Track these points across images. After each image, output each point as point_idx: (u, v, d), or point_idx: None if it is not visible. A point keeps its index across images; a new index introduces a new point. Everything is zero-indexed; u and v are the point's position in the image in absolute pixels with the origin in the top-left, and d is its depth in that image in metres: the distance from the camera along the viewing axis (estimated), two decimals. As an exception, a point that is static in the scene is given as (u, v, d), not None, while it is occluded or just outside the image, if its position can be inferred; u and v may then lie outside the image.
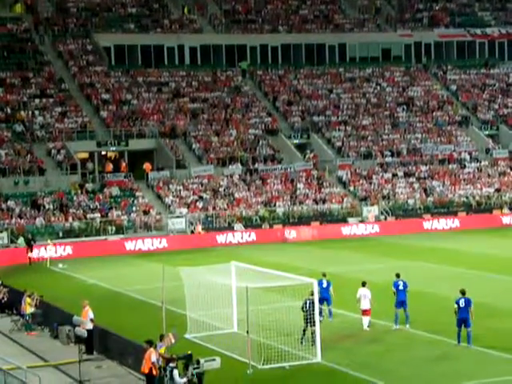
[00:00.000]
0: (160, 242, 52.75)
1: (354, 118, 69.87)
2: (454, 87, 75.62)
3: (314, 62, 75.51)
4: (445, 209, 61.13)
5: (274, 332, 26.60)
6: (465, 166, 66.01)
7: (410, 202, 61.53)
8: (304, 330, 26.02)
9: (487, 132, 70.61)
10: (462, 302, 25.41)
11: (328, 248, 50.12)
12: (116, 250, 51.04)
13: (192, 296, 27.88)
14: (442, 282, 36.51)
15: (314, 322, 25.27)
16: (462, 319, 25.37)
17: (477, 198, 62.26)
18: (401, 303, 27.98)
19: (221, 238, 54.01)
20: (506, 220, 59.04)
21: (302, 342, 25.90)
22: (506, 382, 22.38)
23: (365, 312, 27.98)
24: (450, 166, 65.82)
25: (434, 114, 71.71)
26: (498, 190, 63.08)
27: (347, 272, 39.62)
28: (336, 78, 74.31)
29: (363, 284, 28.20)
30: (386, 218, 59.32)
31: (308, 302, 25.68)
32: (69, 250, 50.47)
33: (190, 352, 22.38)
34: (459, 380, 22.75)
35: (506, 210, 60.58)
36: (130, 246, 52.02)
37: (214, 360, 22.16)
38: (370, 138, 67.96)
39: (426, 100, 73.26)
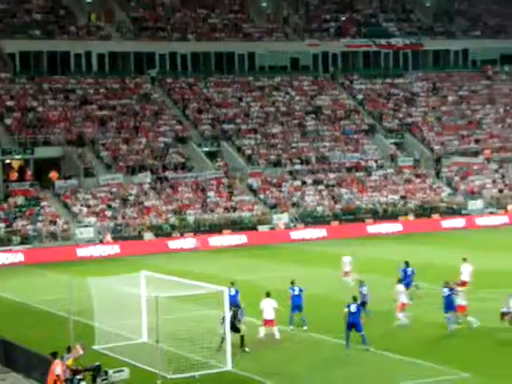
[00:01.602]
0: (68, 252, 51.89)
1: (263, 126, 70.38)
2: (360, 96, 76.98)
3: (223, 71, 75.76)
4: (352, 215, 62.08)
5: (184, 341, 26.50)
6: (371, 174, 67.22)
7: (319, 209, 62.28)
8: (222, 338, 26.05)
9: (392, 140, 72.10)
10: (353, 307, 26.20)
11: (239, 256, 50.22)
12: (22, 261, 49.98)
13: (101, 306, 27.53)
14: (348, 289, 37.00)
15: (235, 328, 25.51)
16: (352, 323, 26.04)
17: (383, 204, 63.46)
18: (296, 307, 29.08)
19: (130, 246, 53.51)
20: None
21: (219, 350, 25.92)
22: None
23: (267, 322, 28.01)
24: (357, 174, 66.93)
25: (342, 122, 72.82)
26: (403, 197, 64.43)
27: (257, 279, 39.79)
28: (245, 87, 74.73)
29: (267, 294, 28.33)
30: (295, 226, 59.87)
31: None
32: (-27, 260, 49.24)
33: (98, 363, 22.09)
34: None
35: (411, 217, 61.90)
36: (35, 256, 50.97)
37: (122, 371, 21.93)
38: (279, 146, 68.56)
39: (333, 109, 74.36)
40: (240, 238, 56.64)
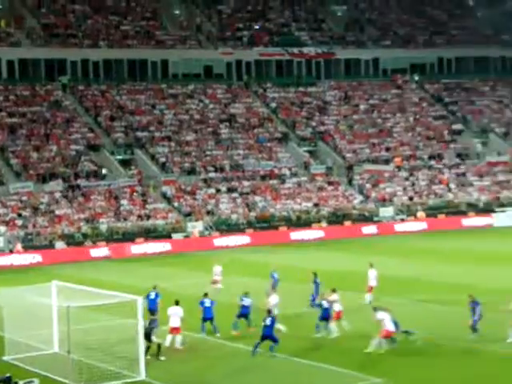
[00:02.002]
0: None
1: (177, 133, 70.14)
2: (273, 104, 77.50)
3: (136, 78, 75.23)
4: (267, 223, 62.35)
5: (96, 351, 26.11)
6: (285, 182, 67.69)
7: (234, 216, 62.35)
8: (148, 347, 25.83)
9: (305, 148, 72.79)
10: (267, 321, 26.10)
11: (155, 265, 49.81)
12: None
13: (11, 317, 26.92)
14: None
15: (149, 338, 25.47)
16: (266, 336, 26.06)
17: (296, 212, 63.96)
18: (208, 319, 29.15)
19: (42, 256, 52.53)
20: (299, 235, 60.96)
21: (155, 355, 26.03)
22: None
23: (172, 330, 27.87)
24: (271, 182, 67.32)
25: (256, 130, 73.17)
26: (316, 205, 65.09)
27: (170, 287, 39.53)
28: (159, 94, 74.36)
29: (176, 302, 28.18)
30: (210, 234, 59.77)
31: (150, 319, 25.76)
32: None
33: (8, 374, 21.58)
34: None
35: (323, 224, 62.56)
36: None
37: (32, 382, 21.49)
38: (193, 153, 68.43)
39: (247, 117, 74.66)
40: (154, 247, 56.22)
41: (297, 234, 60.21)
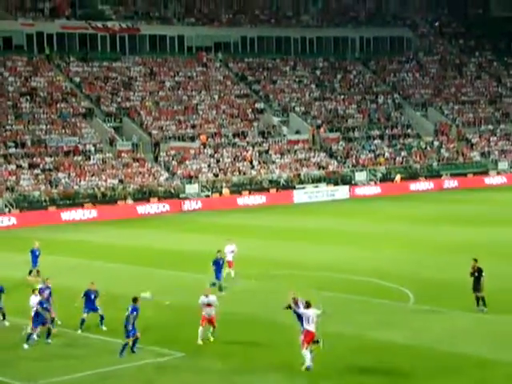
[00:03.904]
0: None
1: (-26, 107, 67.09)
2: (77, 79, 75.76)
3: None
4: (70, 200, 61.08)
5: None
6: (90, 158, 66.51)
7: (35, 193, 60.59)
8: None
9: (111, 124, 71.82)
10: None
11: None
12: None
13: None
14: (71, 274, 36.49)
15: None
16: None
17: (102, 189, 63.07)
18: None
19: None
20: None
21: None
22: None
23: None
24: (75, 158, 65.92)
25: (59, 105, 71.27)
26: (121, 181, 64.48)
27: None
28: (-46, 65, 70.74)
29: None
30: (10, 211, 57.79)
31: None
32: None
33: None
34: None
35: (129, 201, 62.15)
36: None
37: None
38: (-8, 128, 65.74)
39: (49, 91, 72.56)
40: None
41: (68, 215, 58.32)
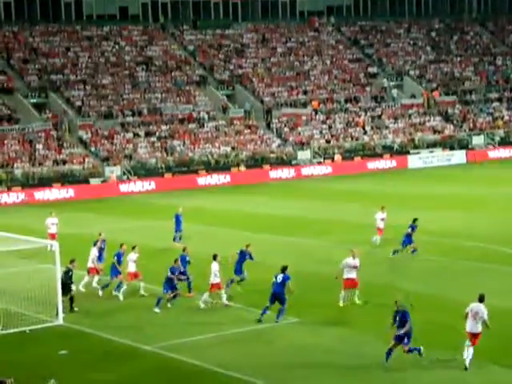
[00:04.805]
0: None
1: (93, 77, 68.87)
2: (191, 47, 76.65)
3: (49, 19, 73.29)
4: (185, 168, 62.16)
5: (14, 297, 25.84)
6: (203, 126, 67.38)
7: (152, 161, 61.95)
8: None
9: (224, 92, 72.42)
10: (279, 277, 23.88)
11: (68, 211, 49.15)
12: None
13: None
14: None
15: (67, 288, 25.19)
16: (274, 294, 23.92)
17: (215, 156, 63.87)
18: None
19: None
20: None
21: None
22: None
23: (131, 275, 27.56)
24: (190, 126, 66.90)
25: (173, 73, 72.35)
26: (234, 148, 65.10)
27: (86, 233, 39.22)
28: (73, 36, 72.69)
29: (133, 248, 27.59)
30: (128, 178, 59.35)
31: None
32: None
33: None
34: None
35: (242, 168, 62.74)
36: None
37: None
38: (110, 97, 67.36)
39: (164, 60, 73.71)
40: (68, 192, 55.54)
41: (215, 179, 59.92)
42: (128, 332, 23.74)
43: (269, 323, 23.87)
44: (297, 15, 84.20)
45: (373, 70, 79.38)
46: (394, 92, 76.59)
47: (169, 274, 25.95)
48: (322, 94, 74.26)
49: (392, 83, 77.93)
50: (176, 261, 26.52)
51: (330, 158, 66.17)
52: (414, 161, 67.13)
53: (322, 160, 65.73)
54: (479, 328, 19.51)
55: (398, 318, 19.40)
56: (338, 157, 66.23)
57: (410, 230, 31.59)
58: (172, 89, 70.52)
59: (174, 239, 35.63)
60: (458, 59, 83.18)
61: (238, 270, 27.18)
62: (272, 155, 65.36)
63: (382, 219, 34.35)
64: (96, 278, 28.40)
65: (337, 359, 20.96)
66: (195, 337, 23.05)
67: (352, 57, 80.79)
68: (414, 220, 31.88)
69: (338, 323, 23.89)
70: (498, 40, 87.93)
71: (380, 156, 67.26)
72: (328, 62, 78.94)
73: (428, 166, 66.37)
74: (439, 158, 68.11)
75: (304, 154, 65.74)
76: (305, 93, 74.03)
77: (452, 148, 70.12)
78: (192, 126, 66.96)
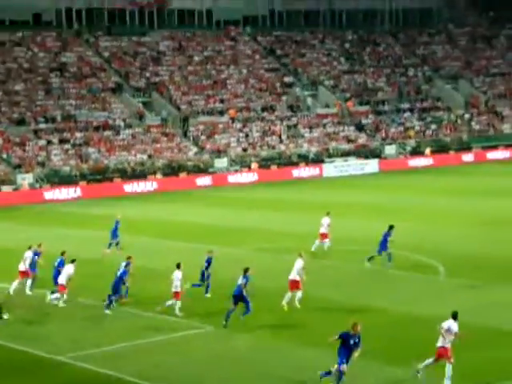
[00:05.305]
0: None
1: (5, 83, 67.56)
2: (106, 54, 75.95)
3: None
4: (101, 175, 61.48)
5: None
6: (119, 133, 66.82)
7: (66, 168, 61.09)
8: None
9: (140, 99, 71.99)
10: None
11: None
12: None
13: None
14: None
15: None
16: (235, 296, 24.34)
17: (131, 163, 63.40)
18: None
19: None
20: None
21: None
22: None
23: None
24: (105, 133, 66.26)
25: (88, 80, 71.56)
26: (150, 156, 64.74)
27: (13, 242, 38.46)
28: (-15, 41, 71.23)
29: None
30: (41, 186, 58.35)
31: None
32: None
33: None
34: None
35: (159, 176, 62.43)
36: None
37: None
38: (22, 103, 66.20)
39: (79, 66, 72.85)
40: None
41: (131, 187, 59.71)
42: (41, 342, 23.41)
43: (184, 331, 23.93)
44: (213, 24, 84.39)
45: (288, 79, 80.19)
46: (309, 101, 77.57)
47: (120, 275, 26.19)
48: (239, 103, 74.59)
49: (307, 93, 78.92)
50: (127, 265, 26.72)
51: (246, 166, 66.49)
52: (329, 169, 68.05)
53: (238, 168, 66.00)
54: (448, 344, 19.45)
55: (352, 341, 19.18)
56: (254, 165, 66.60)
57: (385, 237, 31.21)
58: (87, 96, 69.73)
59: (109, 246, 35.31)
60: (371, 70, 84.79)
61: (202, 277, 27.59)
62: (189, 163, 65.27)
63: (328, 225, 34.64)
64: (29, 282, 28.07)
65: (248, 368, 21.02)
66: (109, 346, 22.88)
67: (268, 66, 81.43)
68: (390, 227, 31.65)
69: (251, 330, 23.96)
70: (409, 52, 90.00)
71: (296, 164, 67.94)
72: (244, 71, 79.36)
73: (343, 174, 67.34)
74: (353, 166, 69.21)
75: (221, 162, 65.90)
76: (222, 101, 74.23)
77: (366, 157, 71.37)
78: (107, 133, 66.34)
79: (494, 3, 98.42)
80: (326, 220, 34.84)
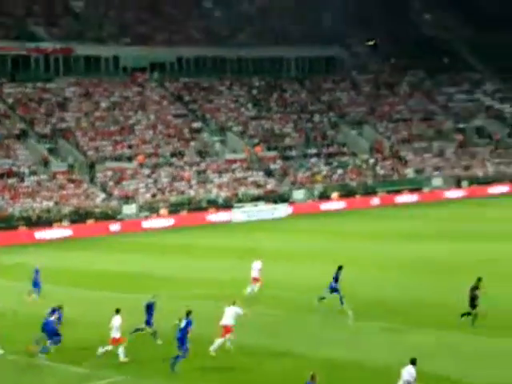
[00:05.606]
0: None
1: None
2: (10, 100, 74.60)
3: None
4: (5, 223, 59.89)
5: None
6: (24, 180, 65.43)
7: (-31, 217, 59.32)
8: None
9: (46, 146, 70.79)
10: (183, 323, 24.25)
11: None
12: None
13: None
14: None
15: None
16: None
17: (37, 211, 62.04)
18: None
19: None
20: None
21: None
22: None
23: None
24: (9, 181, 64.76)
25: (-9, 127, 70.08)
26: (57, 203, 63.51)
27: None
28: None
29: None
30: None
31: None
32: None
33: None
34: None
35: (65, 223, 61.26)
36: None
37: None
38: None
39: (-21, 112, 71.31)
40: None
41: (41, 234, 58.35)
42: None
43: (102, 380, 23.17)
44: (120, 71, 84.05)
45: (197, 125, 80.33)
46: (218, 147, 77.80)
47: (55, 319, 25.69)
48: (147, 149, 74.17)
49: (215, 138, 79.16)
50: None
51: (155, 212, 65.91)
52: (237, 214, 68.06)
53: (147, 214, 65.36)
54: None
55: None
56: (163, 211, 66.07)
57: (334, 279, 31.12)
58: (-9, 142, 68.21)
59: (29, 293, 34.63)
60: (278, 116, 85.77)
61: (149, 322, 26.96)
62: (96, 210, 64.29)
63: (259, 269, 34.63)
64: None
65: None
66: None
67: (176, 112, 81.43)
68: (339, 268, 31.58)
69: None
70: (315, 98, 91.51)
71: (205, 209, 67.74)
72: (152, 116, 79.12)
73: (252, 219, 67.44)
74: (263, 211, 69.44)
75: (129, 209, 65.16)
76: (129, 147, 73.68)
77: (275, 202, 71.74)
78: (12, 180, 64.86)
79: (394, 51, 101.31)
80: (256, 264, 34.96)
